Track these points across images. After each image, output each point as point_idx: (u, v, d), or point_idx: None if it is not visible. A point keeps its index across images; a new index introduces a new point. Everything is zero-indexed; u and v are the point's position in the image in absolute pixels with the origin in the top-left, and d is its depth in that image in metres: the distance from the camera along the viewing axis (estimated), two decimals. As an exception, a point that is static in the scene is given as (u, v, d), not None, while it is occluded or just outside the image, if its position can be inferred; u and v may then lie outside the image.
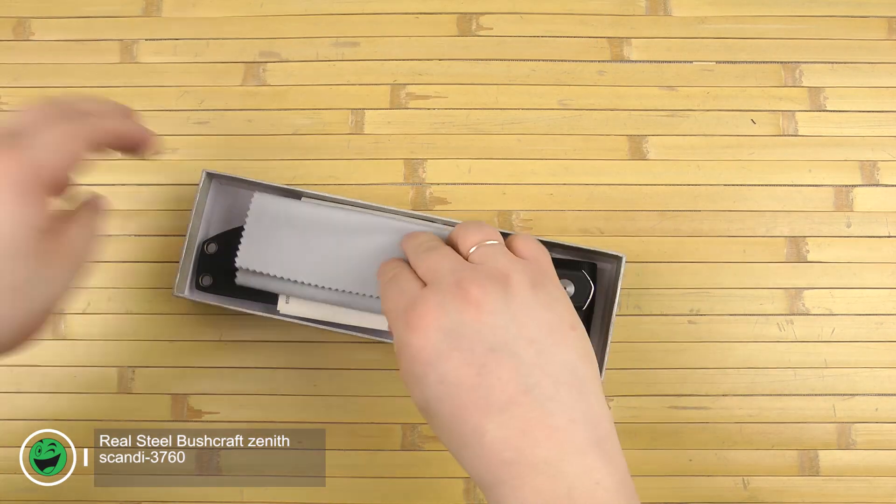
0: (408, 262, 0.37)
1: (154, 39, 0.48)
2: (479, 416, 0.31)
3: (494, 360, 0.31)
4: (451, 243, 0.37)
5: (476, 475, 0.32)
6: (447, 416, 0.32)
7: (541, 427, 0.31)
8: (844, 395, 0.45)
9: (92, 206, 0.34)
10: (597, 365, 0.33)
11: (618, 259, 0.42)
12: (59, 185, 0.30)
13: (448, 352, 0.32)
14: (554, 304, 0.33)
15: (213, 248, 0.44)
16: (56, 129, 0.30)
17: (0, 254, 0.28)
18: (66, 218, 0.32)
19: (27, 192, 0.29)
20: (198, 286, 0.44)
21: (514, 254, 0.35)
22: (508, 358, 0.32)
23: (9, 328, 0.29)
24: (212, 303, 0.43)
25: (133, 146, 0.35)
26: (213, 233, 0.45)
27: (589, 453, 0.31)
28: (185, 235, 0.43)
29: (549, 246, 0.42)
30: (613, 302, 0.42)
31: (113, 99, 0.36)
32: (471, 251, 0.35)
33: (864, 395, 0.45)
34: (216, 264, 0.44)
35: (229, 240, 0.44)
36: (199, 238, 0.44)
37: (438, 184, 0.47)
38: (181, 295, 0.42)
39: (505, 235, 0.37)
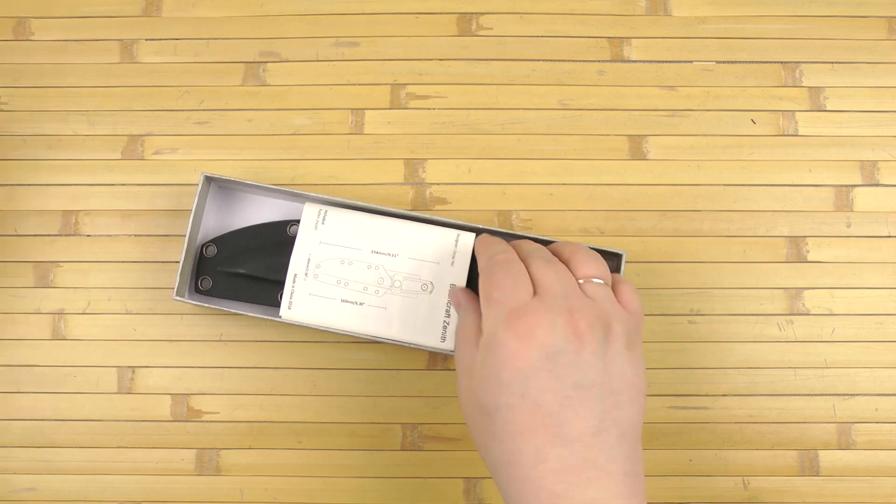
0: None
1: (154, 39, 0.48)
2: (545, 441, 0.32)
3: (578, 396, 0.32)
4: (566, 260, 0.37)
5: (513, 496, 0.32)
6: (514, 428, 0.32)
7: (596, 470, 0.31)
8: (844, 395, 0.45)
9: None
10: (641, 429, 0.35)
11: (618, 257, 0.42)
12: None
13: (542, 370, 0.32)
14: (639, 365, 0.34)
15: (212, 250, 0.44)
16: None
17: None
18: None
19: None
20: (197, 289, 0.44)
21: (617, 299, 0.36)
22: (591, 399, 0.32)
23: None
24: (212, 307, 0.43)
25: None
26: (212, 235, 0.45)
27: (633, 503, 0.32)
28: (184, 236, 0.43)
29: (548, 245, 0.42)
30: None
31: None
32: (580, 282, 0.35)
33: (864, 395, 0.45)
34: (215, 267, 0.44)
35: (228, 242, 0.44)
36: (198, 241, 0.44)
37: (438, 184, 0.47)
38: (181, 299, 0.42)
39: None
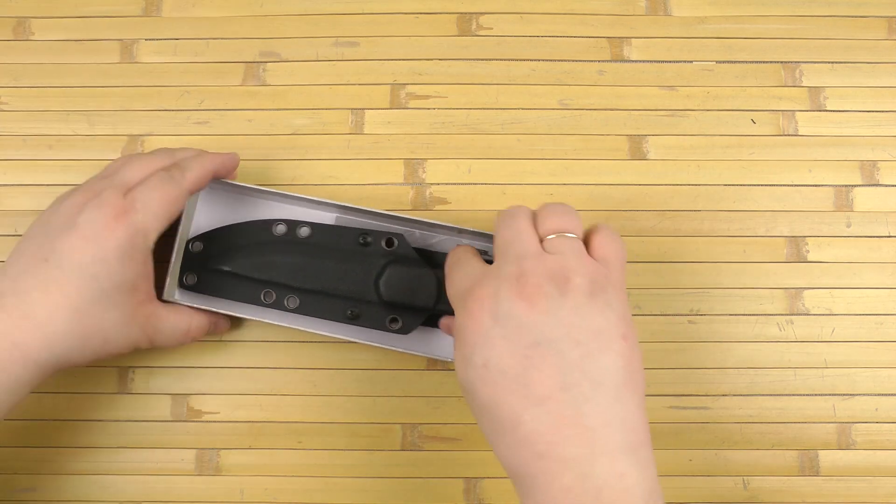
0: (476, 252, 0.39)
1: (154, 39, 0.48)
2: (517, 404, 0.32)
3: (538, 355, 0.32)
4: (538, 216, 0.37)
5: (508, 464, 0.33)
6: (487, 399, 0.33)
7: (574, 425, 0.31)
8: (844, 395, 0.45)
9: (210, 328, 0.43)
10: (642, 377, 0.34)
11: None
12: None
13: (495, 338, 0.33)
14: (608, 311, 0.33)
15: (198, 246, 0.44)
16: (159, 192, 0.38)
17: (100, 303, 0.37)
18: (178, 307, 0.41)
19: (129, 255, 0.37)
20: (182, 284, 0.44)
21: (589, 249, 0.36)
22: (552, 354, 0.32)
23: (80, 361, 0.38)
24: (200, 307, 0.42)
25: (224, 175, 0.42)
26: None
27: (621, 458, 0.31)
28: (174, 237, 0.42)
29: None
30: None
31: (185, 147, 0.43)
32: (548, 237, 0.36)
33: (864, 395, 0.45)
34: (203, 263, 0.43)
35: (214, 239, 0.44)
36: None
37: (438, 184, 0.47)
38: (171, 300, 0.42)
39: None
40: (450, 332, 0.41)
